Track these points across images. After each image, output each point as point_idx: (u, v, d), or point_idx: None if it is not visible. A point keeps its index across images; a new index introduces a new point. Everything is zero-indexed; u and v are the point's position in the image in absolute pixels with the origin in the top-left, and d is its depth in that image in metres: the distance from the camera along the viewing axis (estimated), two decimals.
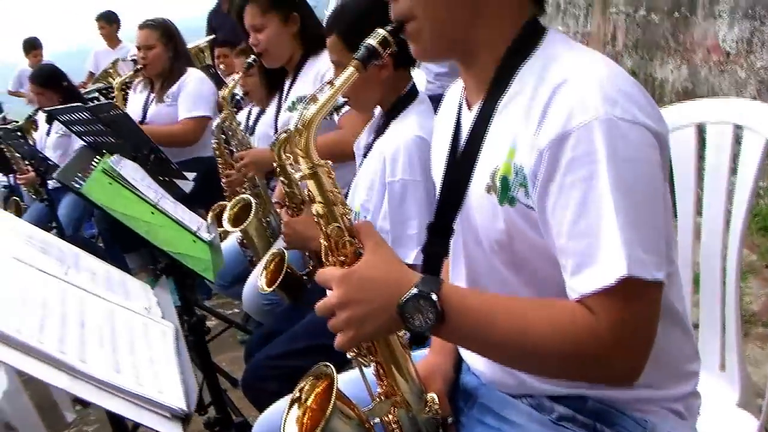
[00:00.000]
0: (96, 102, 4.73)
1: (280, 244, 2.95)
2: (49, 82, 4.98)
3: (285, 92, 3.16)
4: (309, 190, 1.30)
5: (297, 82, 3.11)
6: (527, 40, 1.27)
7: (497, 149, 1.25)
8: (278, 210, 3.21)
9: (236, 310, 4.11)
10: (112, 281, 1.67)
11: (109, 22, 8.43)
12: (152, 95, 4.52)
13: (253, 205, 3.08)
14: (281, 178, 2.52)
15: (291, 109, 3.07)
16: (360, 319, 1.19)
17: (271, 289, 2.59)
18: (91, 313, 1.39)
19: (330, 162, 1.30)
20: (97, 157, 2.63)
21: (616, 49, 4.68)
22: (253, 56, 3.11)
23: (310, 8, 3.22)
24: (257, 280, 2.69)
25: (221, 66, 5.81)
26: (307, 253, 2.65)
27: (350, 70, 1.28)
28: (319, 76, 2.98)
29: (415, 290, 1.16)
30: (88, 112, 3.22)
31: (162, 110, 4.40)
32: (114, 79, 6.51)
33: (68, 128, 3.40)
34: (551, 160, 1.14)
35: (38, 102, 5.06)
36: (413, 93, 2.27)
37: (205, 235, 2.53)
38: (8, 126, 5.05)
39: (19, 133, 4.78)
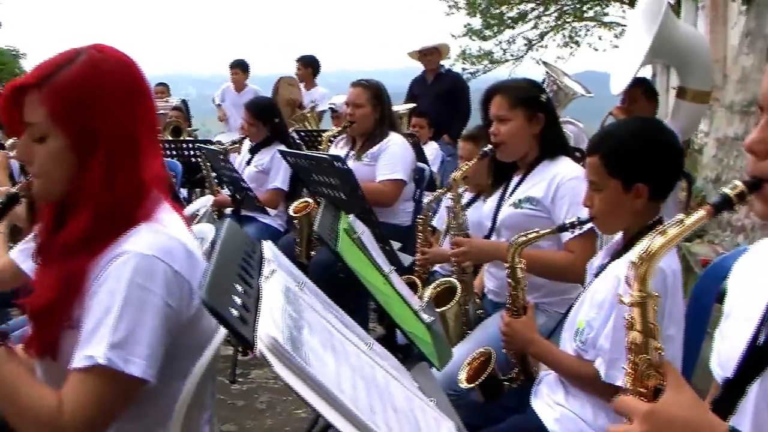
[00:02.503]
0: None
1: (476, 337, 2.98)
2: (263, 115, 5.16)
3: (512, 188, 3.20)
4: (632, 316, 1.34)
5: (527, 180, 3.13)
6: None
7: None
8: (477, 300, 3.25)
9: None
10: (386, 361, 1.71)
11: (305, 65, 8.77)
12: (352, 152, 4.66)
13: (459, 290, 3.11)
14: (509, 279, 2.58)
15: (516, 206, 3.09)
16: None
17: (470, 385, 2.59)
18: (397, 397, 1.43)
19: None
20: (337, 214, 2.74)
21: None
22: (489, 146, 3.18)
23: (555, 113, 3.27)
24: (456, 372, 2.69)
25: None
26: (513, 359, 2.66)
27: (701, 213, 1.31)
28: (554, 183, 3.01)
29: None
30: (320, 161, 3.34)
31: (359, 169, 4.40)
32: (310, 123, 6.82)
33: (295, 171, 3.52)
34: None
35: (247, 131, 5.23)
36: (659, 224, 2.28)
37: (424, 317, 2.57)
38: (215, 148, 5.27)
39: (222, 157, 5.03)
